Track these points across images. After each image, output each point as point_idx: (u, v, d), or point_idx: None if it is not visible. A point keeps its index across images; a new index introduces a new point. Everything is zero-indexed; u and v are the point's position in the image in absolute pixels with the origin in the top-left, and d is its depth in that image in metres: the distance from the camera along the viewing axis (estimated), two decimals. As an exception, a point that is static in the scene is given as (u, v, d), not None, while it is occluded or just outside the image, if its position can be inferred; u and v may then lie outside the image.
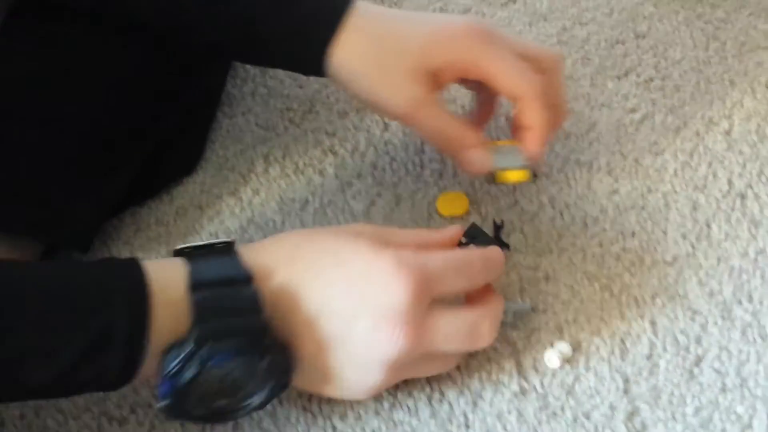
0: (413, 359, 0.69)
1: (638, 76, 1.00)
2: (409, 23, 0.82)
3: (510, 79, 0.81)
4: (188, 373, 0.63)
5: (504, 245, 0.86)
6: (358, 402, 0.75)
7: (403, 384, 0.76)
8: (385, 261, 0.68)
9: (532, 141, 0.82)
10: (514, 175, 0.84)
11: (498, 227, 0.87)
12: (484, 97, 0.88)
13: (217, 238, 0.87)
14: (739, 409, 0.75)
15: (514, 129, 0.84)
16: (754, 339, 0.79)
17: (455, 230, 0.78)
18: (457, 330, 0.71)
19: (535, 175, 0.87)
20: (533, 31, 1.05)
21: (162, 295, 0.65)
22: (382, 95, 0.81)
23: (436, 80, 0.81)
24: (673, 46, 1.03)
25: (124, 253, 0.86)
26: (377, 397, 0.76)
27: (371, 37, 0.81)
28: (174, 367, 0.63)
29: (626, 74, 1.01)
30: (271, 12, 0.81)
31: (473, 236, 0.78)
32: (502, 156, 0.84)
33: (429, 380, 0.77)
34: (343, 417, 0.75)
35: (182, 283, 0.66)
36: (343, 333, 0.68)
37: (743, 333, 0.80)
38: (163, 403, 0.65)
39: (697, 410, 0.75)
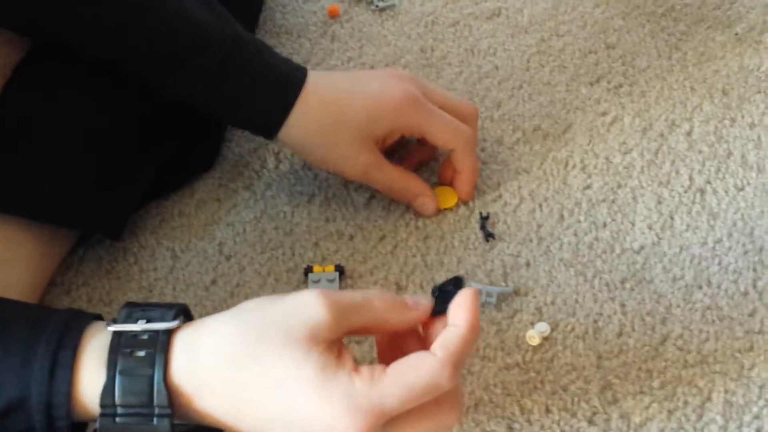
0: None
1: (609, 82, 0.99)
2: (352, 96, 0.82)
3: (444, 135, 0.84)
4: None
5: (490, 235, 0.85)
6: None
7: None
8: (334, 406, 0.55)
9: (464, 182, 0.86)
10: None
11: (484, 218, 0.86)
12: (423, 143, 0.89)
13: (233, 227, 0.86)
14: (700, 383, 0.74)
15: (442, 173, 0.89)
16: (713, 320, 0.79)
17: (421, 313, 0.61)
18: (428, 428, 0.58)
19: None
20: (515, 42, 1.04)
21: (75, 403, 0.57)
22: (337, 164, 0.83)
23: (381, 143, 0.84)
24: (639, 56, 1.02)
25: (150, 242, 0.85)
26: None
27: (321, 113, 0.81)
28: None
29: (598, 81, 1.00)
30: (231, 78, 0.80)
31: (443, 293, 0.61)
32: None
33: (423, 356, 0.76)
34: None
35: (95, 399, 0.57)
36: None
37: (703, 315, 0.79)
38: None
39: (663, 384, 0.74)
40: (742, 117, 0.95)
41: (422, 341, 0.61)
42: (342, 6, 1.07)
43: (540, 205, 0.88)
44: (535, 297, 0.81)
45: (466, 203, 0.88)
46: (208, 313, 0.78)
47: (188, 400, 0.57)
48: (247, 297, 0.82)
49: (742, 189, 0.88)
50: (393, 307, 0.60)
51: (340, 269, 0.82)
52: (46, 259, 0.80)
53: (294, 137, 0.82)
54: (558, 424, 0.72)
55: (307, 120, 0.81)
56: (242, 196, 0.90)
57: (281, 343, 0.56)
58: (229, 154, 0.93)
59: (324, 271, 0.82)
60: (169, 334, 0.57)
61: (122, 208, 0.83)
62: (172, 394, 0.56)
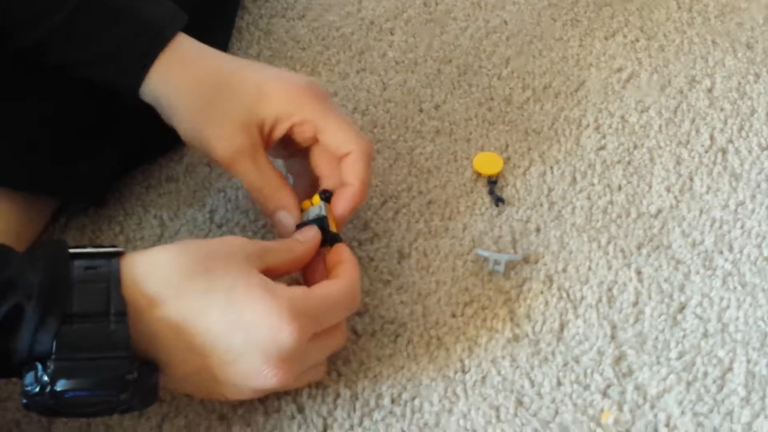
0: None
1: (625, 36, 0.99)
2: (241, 71, 0.77)
3: (342, 133, 0.76)
4: (44, 399, 0.60)
5: (499, 199, 0.85)
6: (361, 348, 0.75)
7: (402, 330, 0.76)
8: (281, 309, 0.64)
9: (349, 196, 0.76)
10: None
11: (492, 182, 0.86)
12: (300, 170, 0.81)
13: (224, 193, 0.87)
14: (720, 353, 0.75)
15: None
16: (735, 287, 0.79)
17: (315, 238, 0.73)
18: (326, 348, 0.70)
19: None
20: (524, -6, 1.04)
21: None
22: (203, 138, 0.76)
23: (264, 133, 0.76)
24: (657, 8, 1.02)
25: (137, 209, 0.85)
26: (379, 345, 0.75)
27: (198, 78, 0.76)
28: (30, 389, 0.60)
29: (613, 35, 1.00)
30: (92, 27, 0.76)
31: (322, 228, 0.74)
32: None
33: (427, 328, 0.76)
34: (346, 363, 0.74)
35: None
36: (226, 365, 0.64)
37: (724, 281, 0.79)
38: (22, 402, 0.61)
39: (681, 354, 0.75)
40: (767, 72, 0.95)
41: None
42: (339, -42, 1.07)
43: (551, 168, 0.88)
44: (545, 264, 0.81)
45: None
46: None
47: (141, 312, 0.62)
48: (240, 267, 0.82)
49: (766, 148, 0.88)
50: (296, 243, 0.72)
51: (325, 196, 0.77)
52: (25, 230, 0.80)
53: (158, 93, 0.76)
54: (570, 397, 0.73)
55: (180, 77, 0.76)
56: (234, 160, 0.89)
57: (227, 260, 0.65)
58: (220, 116, 0.93)
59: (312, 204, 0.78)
60: (119, 254, 0.64)
61: (101, 172, 0.83)
62: (126, 304, 0.62)
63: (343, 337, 0.71)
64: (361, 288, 0.77)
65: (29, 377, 0.60)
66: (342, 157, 0.77)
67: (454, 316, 0.77)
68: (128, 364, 0.61)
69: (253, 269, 0.65)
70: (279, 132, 0.77)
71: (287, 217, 0.77)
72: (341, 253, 0.73)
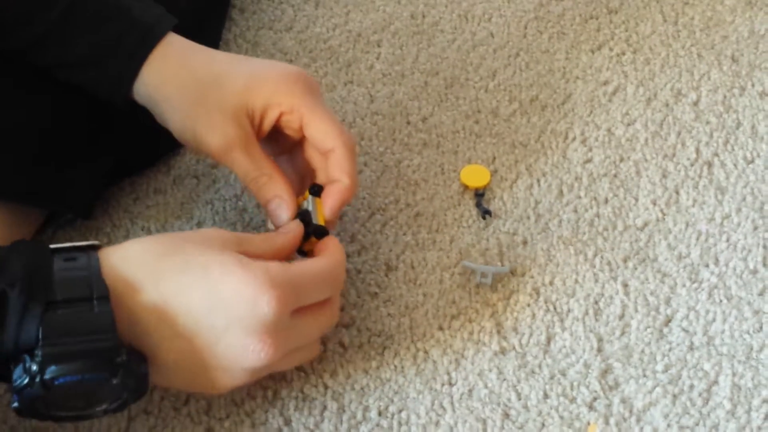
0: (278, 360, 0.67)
1: (611, 49, 1.00)
2: (232, 63, 0.78)
3: (326, 128, 0.76)
4: (34, 390, 0.60)
5: (486, 212, 0.85)
6: (348, 361, 0.75)
7: (389, 343, 0.76)
8: (257, 279, 0.64)
9: (338, 193, 0.76)
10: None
11: (479, 195, 0.87)
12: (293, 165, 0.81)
13: (212, 205, 0.87)
14: (706, 366, 0.75)
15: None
16: (720, 300, 0.79)
17: (296, 229, 0.73)
18: (317, 327, 0.70)
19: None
20: (511, 7, 1.04)
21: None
22: (196, 130, 0.76)
23: (255, 122, 0.77)
24: (643, 21, 1.02)
25: (124, 221, 0.86)
26: (366, 357, 0.75)
27: (190, 70, 0.77)
28: (19, 382, 0.60)
29: (599, 48, 1.00)
30: (83, 24, 0.77)
31: (305, 221, 0.74)
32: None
33: (414, 340, 0.77)
34: (333, 375, 0.74)
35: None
36: (211, 346, 0.64)
37: (710, 294, 0.80)
38: (13, 405, 0.61)
39: (667, 368, 0.75)
40: (752, 85, 0.95)
41: None
42: (327, -30, 1.07)
43: (538, 180, 0.88)
44: (532, 277, 0.81)
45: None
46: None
47: (122, 297, 0.63)
48: (227, 279, 0.82)
49: (751, 161, 0.89)
50: (275, 234, 0.73)
51: (314, 190, 0.77)
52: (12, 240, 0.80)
53: (151, 88, 0.77)
54: (557, 410, 0.73)
55: (170, 70, 0.77)
56: (222, 172, 0.90)
57: (202, 243, 0.66)
58: (207, 127, 0.93)
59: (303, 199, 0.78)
60: (96, 248, 0.65)
61: (89, 184, 0.83)
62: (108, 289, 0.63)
63: (334, 314, 0.71)
64: (348, 300, 0.79)
65: (18, 371, 0.60)
66: (326, 153, 0.77)
67: (441, 328, 0.78)
68: (116, 346, 0.61)
69: (228, 249, 0.66)
70: (269, 120, 0.77)
71: (282, 206, 0.76)
72: (328, 241, 0.73)
